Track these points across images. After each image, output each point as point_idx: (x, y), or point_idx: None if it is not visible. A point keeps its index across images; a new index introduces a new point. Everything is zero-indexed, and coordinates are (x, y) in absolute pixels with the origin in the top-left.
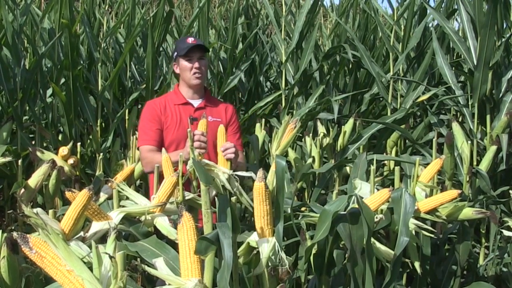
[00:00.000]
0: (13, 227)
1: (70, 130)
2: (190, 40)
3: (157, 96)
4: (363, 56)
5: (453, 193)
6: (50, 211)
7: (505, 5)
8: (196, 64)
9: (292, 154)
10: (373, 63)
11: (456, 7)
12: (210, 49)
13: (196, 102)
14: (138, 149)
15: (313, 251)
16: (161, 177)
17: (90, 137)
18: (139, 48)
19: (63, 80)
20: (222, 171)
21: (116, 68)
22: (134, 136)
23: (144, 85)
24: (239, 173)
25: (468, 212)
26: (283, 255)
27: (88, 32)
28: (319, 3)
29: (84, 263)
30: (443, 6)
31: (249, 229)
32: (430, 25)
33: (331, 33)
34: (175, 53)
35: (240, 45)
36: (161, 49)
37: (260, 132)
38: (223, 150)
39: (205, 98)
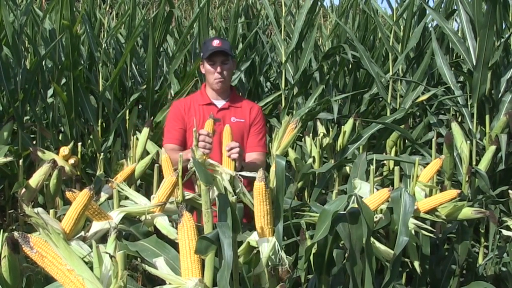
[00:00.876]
0: (14, 227)
1: (70, 130)
2: (215, 43)
3: (157, 96)
4: (362, 56)
5: (453, 193)
6: (51, 211)
7: (504, 6)
8: (218, 69)
9: (292, 154)
10: (372, 64)
11: (455, 7)
12: None
13: (220, 103)
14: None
15: (313, 251)
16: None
17: (91, 137)
18: (140, 49)
19: (64, 81)
20: (225, 171)
21: (117, 68)
22: (135, 136)
23: (145, 86)
24: (243, 173)
25: (468, 212)
26: (283, 254)
27: (89, 33)
28: (319, 3)
29: (85, 262)
30: (442, 6)
31: (250, 228)
32: (430, 25)
33: (331, 33)
34: (201, 55)
35: (240, 45)
36: (161, 49)
37: None
38: (228, 149)
39: (230, 99)
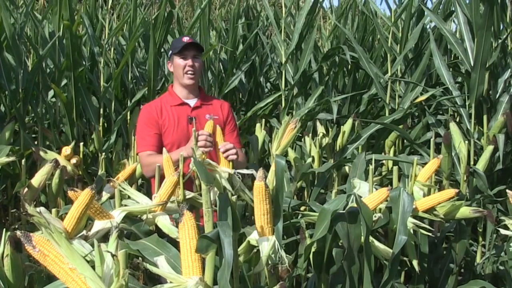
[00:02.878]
0: (16, 226)
1: (71, 130)
2: (186, 39)
3: (159, 96)
4: (361, 57)
5: (451, 192)
6: (53, 210)
7: (501, 7)
8: (190, 62)
9: (292, 154)
10: (371, 64)
11: (453, 9)
12: (211, 50)
13: (192, 102)
14: (137, 155)
15: (313, 250)
16: (162, 178)
17: (93, 137)
18: (141, 50)
19: (65, 81)
20: (223, 170)
21: (118, 69)
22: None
23: (146, 87)
24: (241, 171)
25: (466, 211)
26: (282, 253)
27: (90, 34)
28: (318, 4)
29: (87, 261)
30: (440, 8)
31: (251, 223)
32: (428, 26)
33: (330, 34)
34: (170, 51)
35: (241, 46)
36: (162, 50)
37: (260, 132)
38: (223, 151)
39: (201, 97)
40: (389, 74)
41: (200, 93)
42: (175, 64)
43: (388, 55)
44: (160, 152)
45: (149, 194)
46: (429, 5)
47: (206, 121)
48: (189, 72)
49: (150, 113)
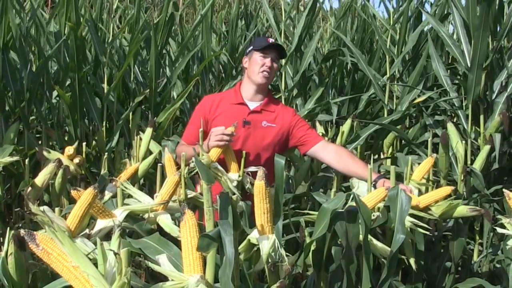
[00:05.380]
0: (20, 225)
1: (75, 130)
2: (271, 40)
3: (160, 98)
4: (359, 60)
5: (447, 189)
6: (56, 209)
7: (499, 8)
8: (269, 62)
9: (291, 154)
10: (369, 67)
11: (449, 11)
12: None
13: (253, 105)
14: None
15: (312, 248)
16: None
17: (95, 137)
18: (142, 51)
19: (69, 82)
20: (230, 178)
21: (121, 71)
22: (138, 136)
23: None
24: (250, 169)
25: (463, 210)
26: (282, 251)
27: (93, 36)
28: (317, 6)
29: (90, 259)
30: (437, 10)
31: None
32: (425, 28)
33: (330, 37)
34: (250, 47)
35: (241, 47)
36: (164, 51)
37: None
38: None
39: (264, 102)
40: (387, 75)
41: (266, 97)
42: (253, 60)
43: (387, 57)
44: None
45: (151, 193)
46: (426, 7)
47: (261, 128)
48: (265, 71)
49: (204, 106)
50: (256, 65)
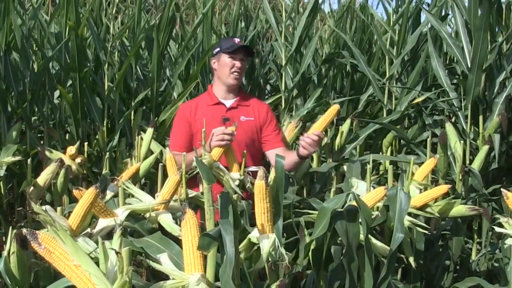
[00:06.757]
0: (22, 224)
1: (77, 130)
2: (237, 40)
3: (162, 97)
4: (359, 60)
5: (444, 188)
6: (58, 208)
7: (497, 10)
8: (238, 64)
9: None
10: (369, 67)
11: (449, 11)
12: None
13: (229, 102)
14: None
15: (312, 247)
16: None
17: (97, 137)
18: (144, 52)
19: (70, 82)
20: (232, 178)
21: (122, 70)
22: (139, 136)
23: (149, 88)
24: (250, 168)
25: (461, 209)
26: (282, 250)
27: (94, 36)
28: (317, 8)
29: (91, 258)
30: (435, 10)
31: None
32: (425, 29)
33: (329, 38)
34: (218, 49)
35: None
36: (165, 52)
37: None
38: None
39: (239, 98)
40: (387, 76)
41: (239, 94)
42: (222, 62)
43: (386, 57)
44: (189, 150)
45: (152, 193)
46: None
47: (240, 123)
48: (236, 72)
49: (184, 112)
50: (226, 67)
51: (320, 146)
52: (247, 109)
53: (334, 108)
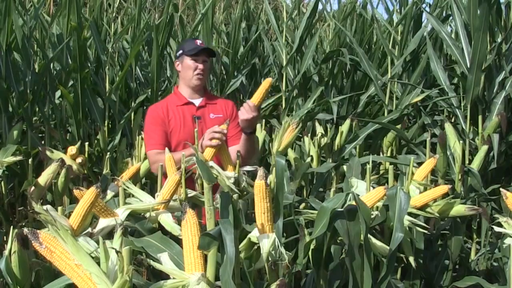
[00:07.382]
0: (23, 223)
1: (78, 130)
2: (199, 42)
3: (162, 97)
4: (362, 59)
5: (444, 188)
6: (59, 208)
7: (496, 11)
8: (201, 66)
9: (291, 154)
10: (371, 67)
11: (449, 12)
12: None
13: (197, 101)
14: (146, 154)
15: (312, 247)
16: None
17: (98, 137)
18: (145, 53)
19: (71, 83)
20: (227, 175)
21: (123, 71)
22: (140, 136)
23: (150, 88)
24: (245, 168)
25: (461, 209)
26: (282, 250)
27: (95, 37)
28: (319, 8)
29: (92, 257)
30: (437, 11)
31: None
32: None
33: (333, 38)
34: (180, 51)
35: (241, 49)
36: (165, 52)
37: (260, 132)
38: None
39: (205, 97)
40: (388, 75)
41: (205, 93)
42: (185, 65)
43: (388, 58)
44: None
45: (152, 192)
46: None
47: (210, 120)
48: (199, 74)
49: (157, 113)
50: (189, 70)
51: (258, 118)
52: (215, 107)
53: (267, 81)
